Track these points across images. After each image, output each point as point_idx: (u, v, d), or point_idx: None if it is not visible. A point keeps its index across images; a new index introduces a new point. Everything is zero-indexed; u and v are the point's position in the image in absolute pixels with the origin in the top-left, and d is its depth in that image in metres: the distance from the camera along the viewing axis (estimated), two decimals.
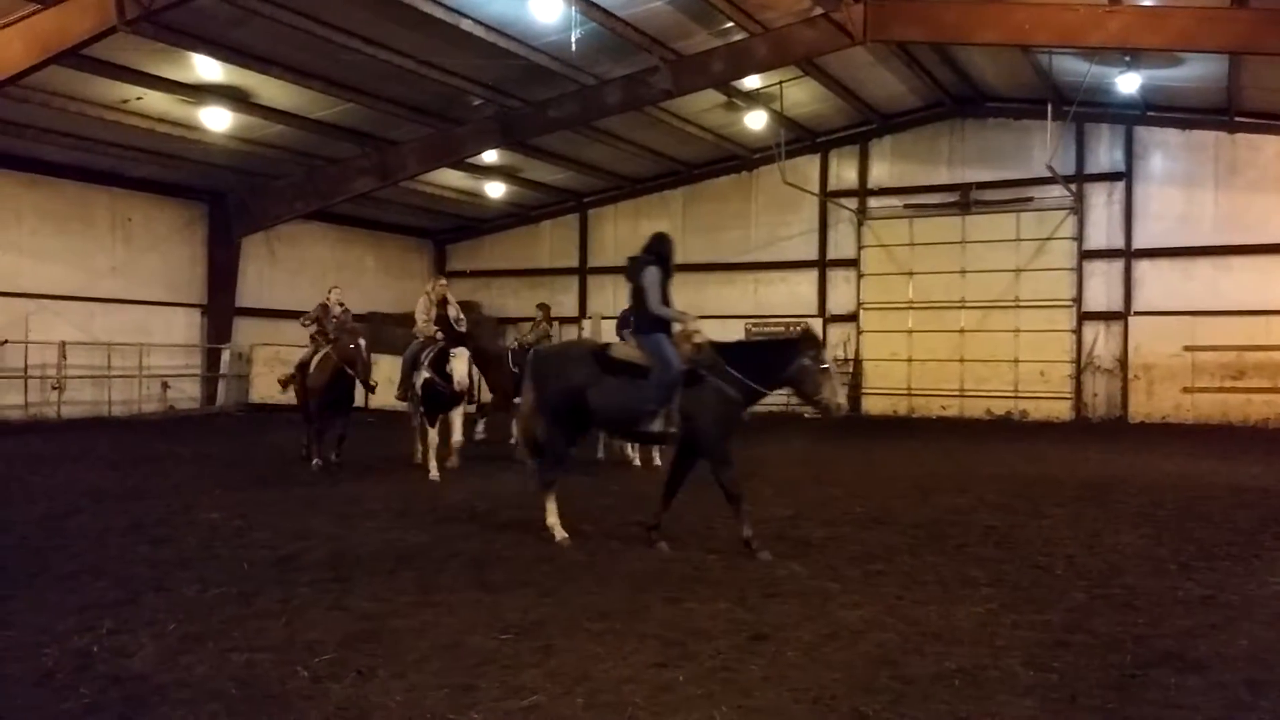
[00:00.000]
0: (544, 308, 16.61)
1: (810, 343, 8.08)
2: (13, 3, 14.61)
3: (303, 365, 13.15)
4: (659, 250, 8.32)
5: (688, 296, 29.96)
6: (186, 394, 23.45)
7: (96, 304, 21.63)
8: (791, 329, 25.29)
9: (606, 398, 8.01)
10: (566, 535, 8.10)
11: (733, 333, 26.56)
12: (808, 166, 25.66)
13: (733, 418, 7.98)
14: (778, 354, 8.17)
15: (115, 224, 22.28)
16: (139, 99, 18.37)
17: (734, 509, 7.85)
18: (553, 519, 8.22)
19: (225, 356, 23.97)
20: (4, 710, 4.38)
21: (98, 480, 11.51)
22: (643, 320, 8.16)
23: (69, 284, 21.13)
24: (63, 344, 20.38)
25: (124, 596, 6.24)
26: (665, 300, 8.13)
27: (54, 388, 20.37)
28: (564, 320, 28.60)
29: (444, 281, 13.58)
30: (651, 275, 8.11)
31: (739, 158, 26.07)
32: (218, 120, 19.32)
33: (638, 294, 8.17)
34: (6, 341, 19.51)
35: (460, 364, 11.95)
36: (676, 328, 8.14)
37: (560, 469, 8.46)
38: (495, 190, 26.68)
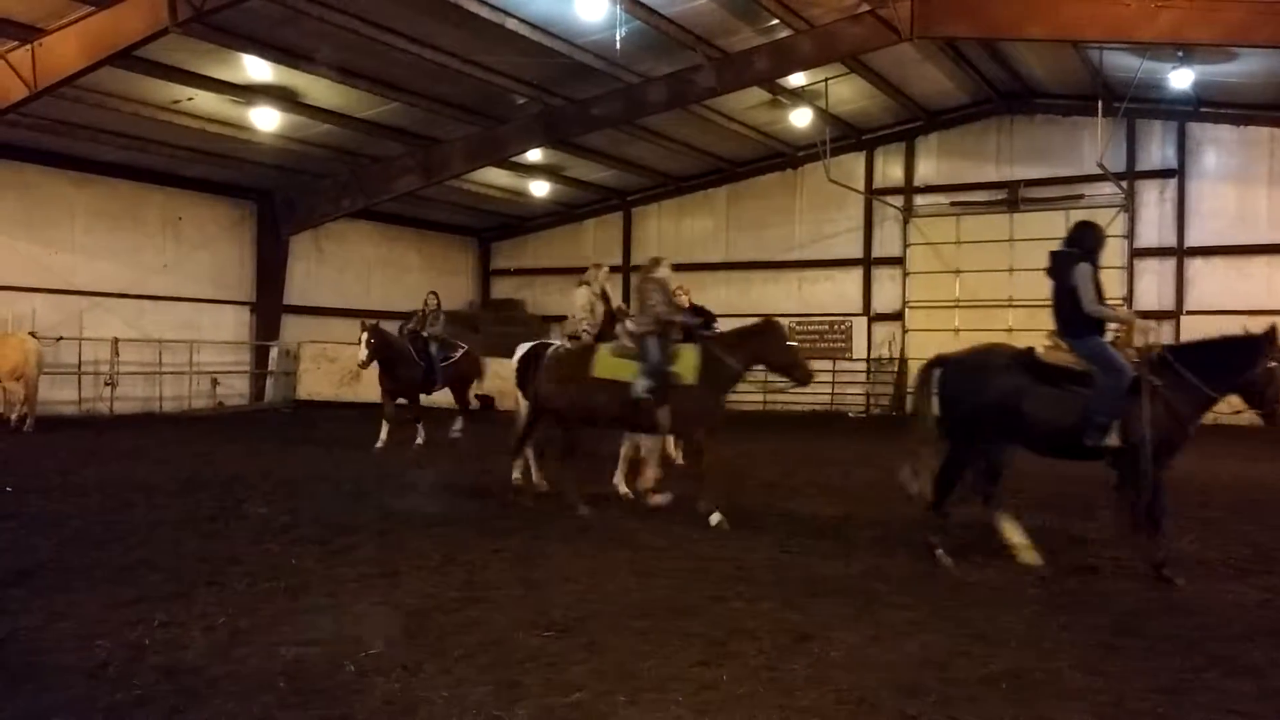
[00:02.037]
0: (435, 295, 16.13)
1: (1276, 340, 7.10)
2: (67, 5, 14.90)
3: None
4: (1086, 243, 7.61)
5: (732, 294, 30.06)
6: (235, 390, 23.81)
7: (148, 301, 22.01)
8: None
9: (1044, 409, 7.20)
10: (1040, 559, 7.27)
11: None
12: (853, 164, 25.47)
13: (1181, 431, 7.18)
14: (1238, 354, 7.16)
15: (166, 222, 22.65)
16: (190, 99, 18.66)
17: (1150, 535, 7.11)
18: (1017, 537, 7.45)
19: (273, 353, 24.29)
20: (59, 701, 4.46)
21: (150, 475, 11.71)
22: (1075, 322, 7.37)
23: (121, 281, 21.52)
24: (115, 341, 20.76)
25: (176, 590, 6.34)
26: (1100, 298, 7.38)
27: (107, 384, 20.75)
28: None
29: (608, 269, 11.56)
30: (1084, 272, 7.38)
31: (783, 155, 25.95)
32: (267, 120, 19.58)
33: (1068, 294, 7.41)
34: (61, 338, 19.91)
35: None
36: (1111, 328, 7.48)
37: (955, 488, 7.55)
38: (539, 188, 26.77)
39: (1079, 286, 7.35)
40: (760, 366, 9.41)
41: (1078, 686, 4.83)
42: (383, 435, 14.62)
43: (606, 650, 5.24)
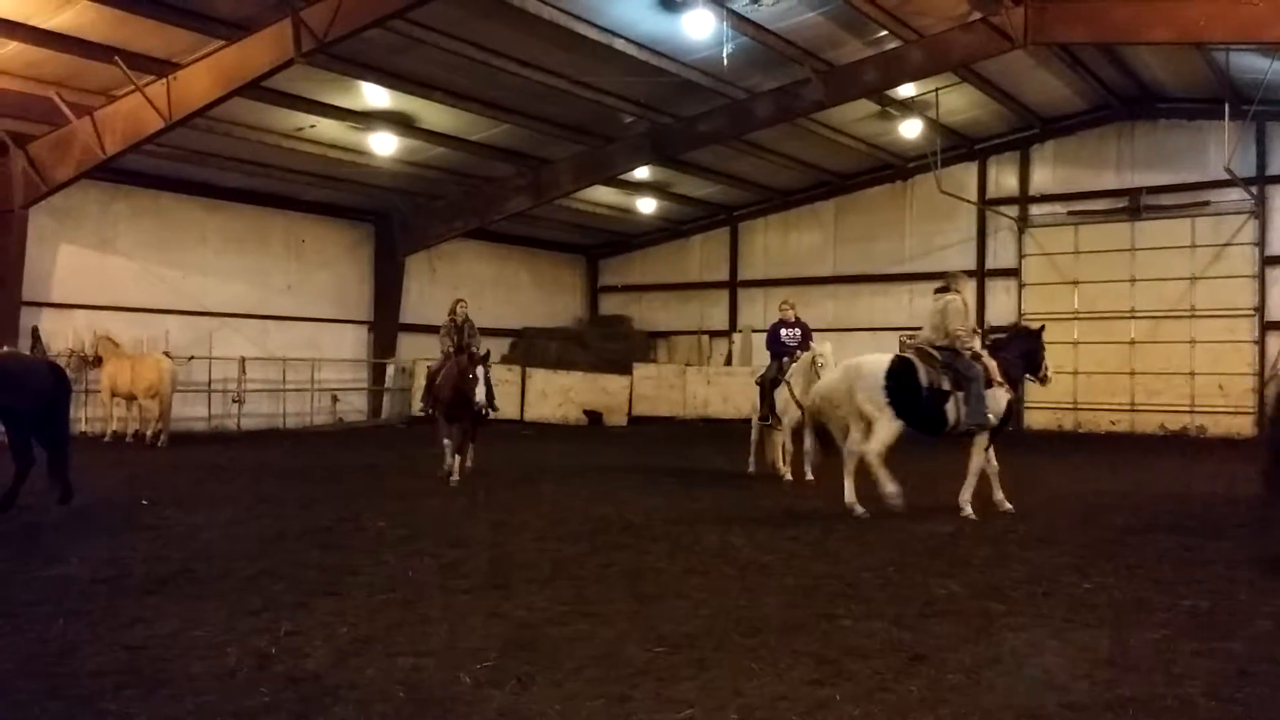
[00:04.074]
0: (465, 303, 13.88)
1: None
2: (199, 40, 15.67)
3: None
4: None
5: (840, 308, 29.75)
6: (354, 407, 24.56)
7: (272, 321, 22.92)
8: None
9: None
10: None
11: (886, 345, 26.12)
12: (964, 174, 24.97)
13: None
14: None
15: (290, 245, 23.58)
16: (312, 126, 19.43)
17: None
18: None
19: (389, 371, 24.98)
20: (191, 707, 4.65)
21: (274, 489, 12.15)
22: None
23: (248, 302, 22.46)
24: (242, 360, 21.64)
25: (299, 600, 6.56)
26: None
27: (235, 401, 21.63)
28: (714, 334, 28.77)
29: (965, 275, 11.33)
30: None
31: (892, 167, 25.61)
32: (384, 145, 20.25)
33: None
34: (193, 358, 20.83)
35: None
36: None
37: None
38: (646, 205, 26.98)
39: None
40: None
41: (1210, 714, 4.62)
42: (453, 465, 12.63)
43: (716, 667, 5.22)
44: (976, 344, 10.49)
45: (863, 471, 10.16)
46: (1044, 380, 11.30)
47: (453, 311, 13.56)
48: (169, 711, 4.59)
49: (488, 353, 13.01)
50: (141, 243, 20.83)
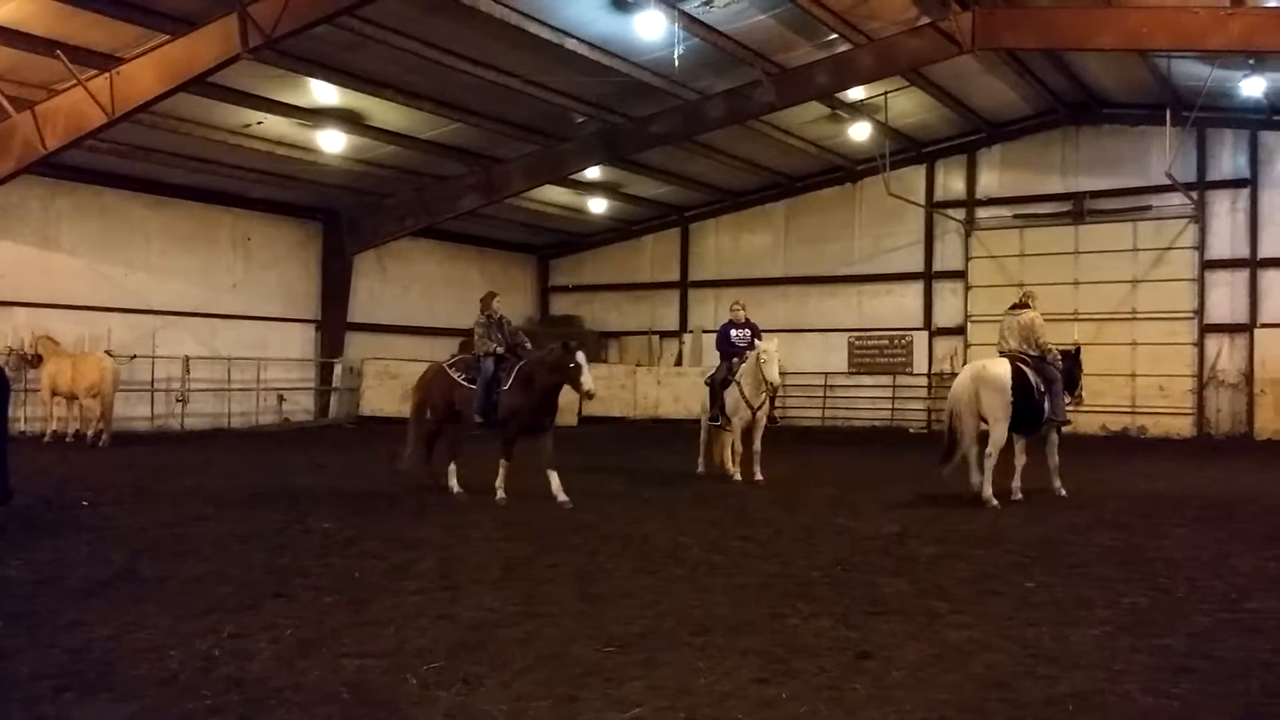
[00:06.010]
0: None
1: None
2: (144, 34, 15.38)
3: None
4: None
5: (790, 309, 29.81)
6: (301, 406, 24.27)
7: (218, 320, 22.59)
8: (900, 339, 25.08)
9: None
10: None
11: (835, 346, 26.46)
12: (913, 177, 25.28)
13: None
14: None
15: (236, 243, 23.26)
16: (259, 123, 19.16)
17: None
18: None
19: (337, 370, 24.71)
20: (133, 710, 4.57)
21: (220, 489, 11.96)
22: None
23: (193, 301, 22.10)
24: (186, 359, 21.30)
25: (244, 602, 6.47)
26: None
27: (179, 400, 21.28)
28: (665, 334, 28.84)
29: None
30: None
31: (842, 169, 25.86)
32: (333, 142, 20.04)
33: None
34: (135, 356, 20.46)
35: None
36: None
37: None
38: (597, 205, 26.99)
39: None
40: None
41: (1148, 709, 4.71)
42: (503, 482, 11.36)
43: (665, 666, 5.23)
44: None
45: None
46: (1079, 399, 12.45)
47: (488, 306, 12.02)
48: (110, 715, 4.52)
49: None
50: (84, 239, 20.43)
